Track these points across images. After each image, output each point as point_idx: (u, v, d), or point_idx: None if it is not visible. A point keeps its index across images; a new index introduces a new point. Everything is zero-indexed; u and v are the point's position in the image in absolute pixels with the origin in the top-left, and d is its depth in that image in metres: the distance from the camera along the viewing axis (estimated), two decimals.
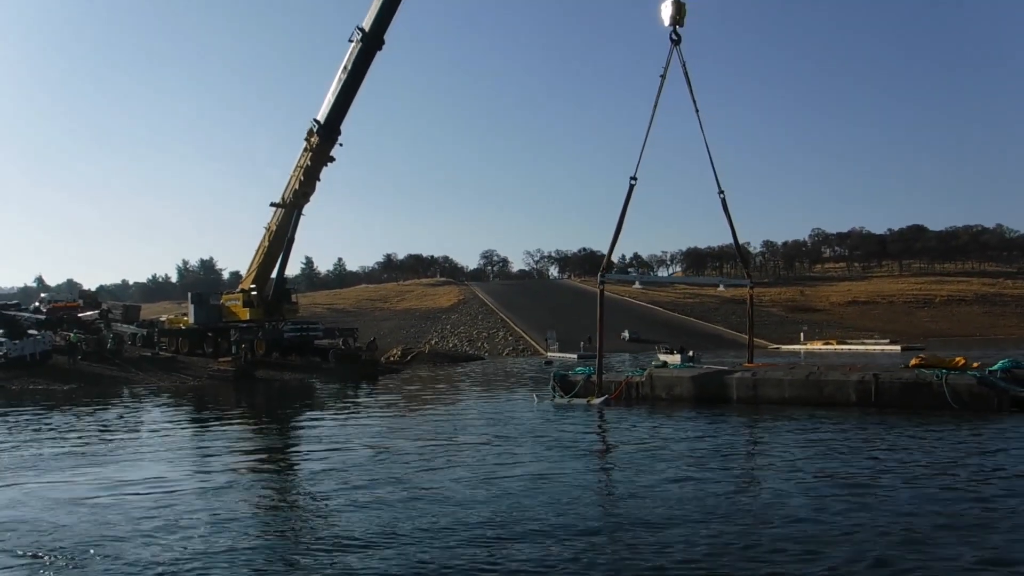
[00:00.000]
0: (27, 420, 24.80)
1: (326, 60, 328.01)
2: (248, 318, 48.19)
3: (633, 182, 28.55)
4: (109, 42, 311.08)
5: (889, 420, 19.73)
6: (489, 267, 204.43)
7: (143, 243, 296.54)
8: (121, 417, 26.13)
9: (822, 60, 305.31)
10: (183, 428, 23.70)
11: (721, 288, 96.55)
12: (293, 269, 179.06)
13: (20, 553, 9.47)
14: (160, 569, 8.65)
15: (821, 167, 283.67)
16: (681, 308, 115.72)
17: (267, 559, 9.13)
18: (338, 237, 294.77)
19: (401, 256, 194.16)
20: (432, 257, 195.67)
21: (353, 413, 27.27)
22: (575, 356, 63.15)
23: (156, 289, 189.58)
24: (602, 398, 26.09)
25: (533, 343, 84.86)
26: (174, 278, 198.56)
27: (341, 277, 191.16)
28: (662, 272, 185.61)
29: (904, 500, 11.39)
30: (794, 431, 18.75)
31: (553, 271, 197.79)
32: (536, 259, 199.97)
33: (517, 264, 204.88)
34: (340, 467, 15.17)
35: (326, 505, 12.17)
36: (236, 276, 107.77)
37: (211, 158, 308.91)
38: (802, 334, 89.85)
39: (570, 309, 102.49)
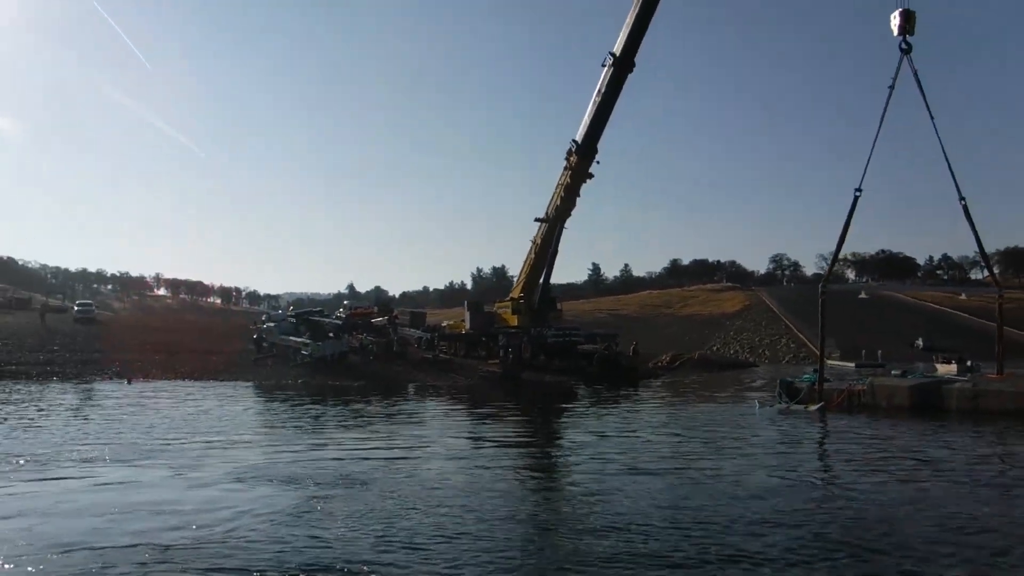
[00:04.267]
0: (330, 410, 30.00)
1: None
2: (516, 324, 52.42)
3: (858, 194, 28.56)
4: (401, 71, 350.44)
5: None
6: (779, 271, 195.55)
7: (444, 251, 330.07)
8: (405, 409, 31.09)
9: None
10: (456, 419, 28.13)
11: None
12: (580, 275, 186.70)
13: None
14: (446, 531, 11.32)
15: None
16: (993, 315, 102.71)
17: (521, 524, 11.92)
18: (625, 244, 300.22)
19: (686, 261, 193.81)
20: (718, 262, 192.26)
21: (599, 414, 29.70)
22: (852, 365, 60.42)
23: (452, 295, 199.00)
24: (818, 405, 26.34)
25: (816, 351, 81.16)
26: (469, 285, 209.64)
27: (627, 283, 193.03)
28: (975, 275, 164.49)
29: None
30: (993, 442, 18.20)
31: (849, 275, 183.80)
32: (830, 262, 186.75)
33: (809, 268, 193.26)
34: (573, 457, 19.08)
35: (566, 486, 15.69)
36: None
37: (505, 173, 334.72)
38: None
39: (863, 316, 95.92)
